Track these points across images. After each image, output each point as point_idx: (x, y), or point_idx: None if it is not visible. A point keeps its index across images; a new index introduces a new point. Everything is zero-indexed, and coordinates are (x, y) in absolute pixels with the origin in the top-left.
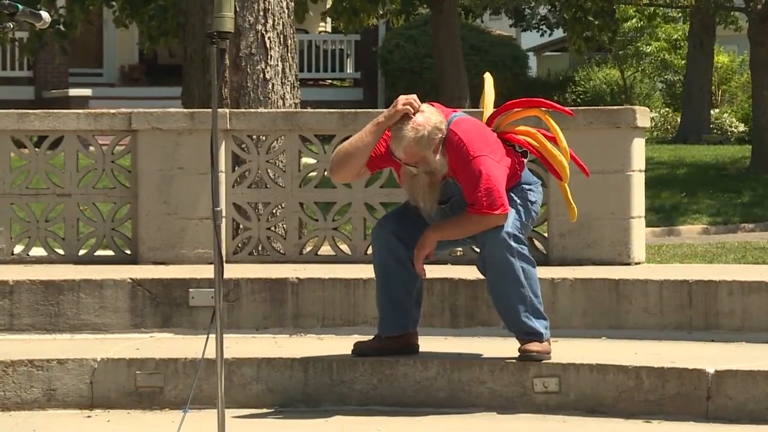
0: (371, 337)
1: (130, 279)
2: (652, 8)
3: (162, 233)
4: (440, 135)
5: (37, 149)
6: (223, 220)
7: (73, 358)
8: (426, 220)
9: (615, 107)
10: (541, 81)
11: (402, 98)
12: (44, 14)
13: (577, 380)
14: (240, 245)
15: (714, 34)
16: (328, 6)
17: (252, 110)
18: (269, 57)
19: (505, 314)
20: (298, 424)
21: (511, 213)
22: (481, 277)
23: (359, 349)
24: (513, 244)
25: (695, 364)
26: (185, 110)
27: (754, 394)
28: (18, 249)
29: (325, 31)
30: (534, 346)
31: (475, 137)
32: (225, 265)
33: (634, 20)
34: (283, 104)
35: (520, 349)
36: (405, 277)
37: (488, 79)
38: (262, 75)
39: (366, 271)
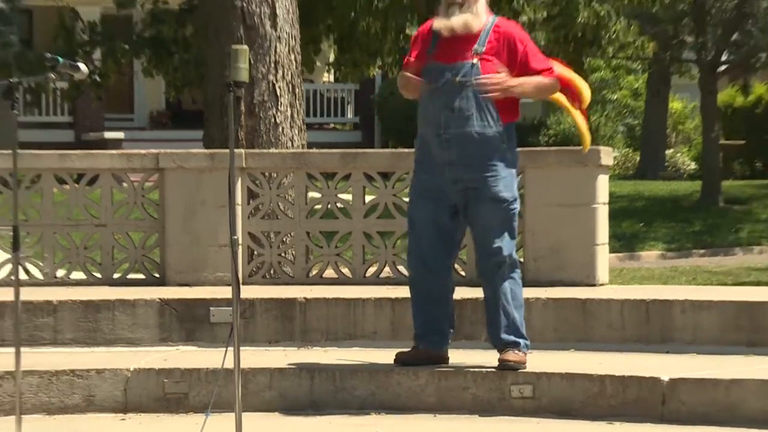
0: (374, 349)
1: (159, 299)
2: (617, 61)
3: (186, 259)
4: None
5: (76, 185)
6: (240, 247)
7: (110, 368)
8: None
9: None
10: (518, 124)
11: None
12: (82, 66)
13: (549, 387)
14: (254, 269)
15: (669, 84)
16: (331, 59)
17: (264, 151)
18: (279, 104)
19: (489, 325)
20: (306, 425)
21: (513, 241)
22: (466, 296)
23: (401, 358)
24: (508, 265)
25: (652, 373)
26: (206, 151)
27: (704, 399)
28: (60, 273)
29: (329, 81)
30: (511, 356)
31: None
32: (241, 286)
33: (601, 72)
34: (292, 145)
35: (499, 359)
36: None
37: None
38: (273, 120)
39: (365, 292)
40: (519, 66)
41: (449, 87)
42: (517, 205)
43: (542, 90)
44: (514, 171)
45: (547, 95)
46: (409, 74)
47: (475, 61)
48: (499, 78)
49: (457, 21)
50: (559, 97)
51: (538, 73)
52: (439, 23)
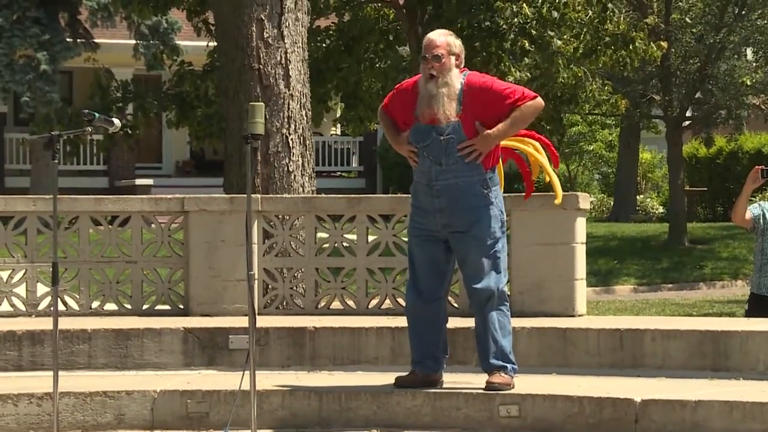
0: (376, 373)
1: (183, 328)
2: (592, 116)
3: (208, 292)
4: (461, 53)
5: (110, 226)
6: (256, 281)
7: (138, 389)
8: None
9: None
10: (505, 173)
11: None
12: (116, 121)
13: (533, 407)
14: (269, 301)
15: (639, 137)
16: (338, 114)
17: (278, 196)
18: (292, 154)
19: (480, 351)
20: None
21: (501, 275)
22: (459, 326)
23: (400, 382)
24: (497, 297)
25: (626, 395)
26: (226, 196)
27: (672, 418)
28: (95, 304)
29: (336, 134)
30: (496, 378)
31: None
32: (257, 316)
33: (579, 127)
34: (303, 191)
35: (486, 381)
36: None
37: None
38: (286, 168)
39: (367, 322)
40: (495, 103)
41: (437, 144)
42: (500, 245)
43: (521, 120)
44: (497, 212)
45: (528, 121)
46: (387, 119)
47: (455, 119)
48: (476, 140)
49: (440, 114)
50: (538, 156)
51: (514, 103)
52: (422, 116)
